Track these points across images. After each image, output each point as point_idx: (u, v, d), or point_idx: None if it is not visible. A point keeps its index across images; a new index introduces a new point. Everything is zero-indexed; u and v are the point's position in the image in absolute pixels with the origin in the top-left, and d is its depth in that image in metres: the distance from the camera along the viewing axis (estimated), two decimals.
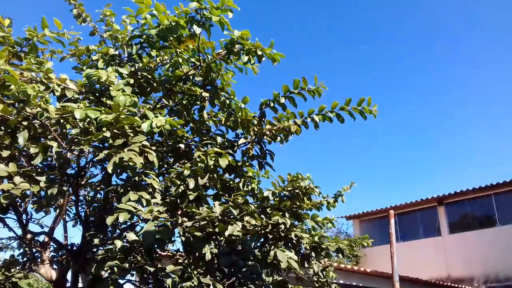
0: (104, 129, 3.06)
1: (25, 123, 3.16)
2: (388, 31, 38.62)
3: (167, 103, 4.39)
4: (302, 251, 4.65)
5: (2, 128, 3.49)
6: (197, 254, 3.61)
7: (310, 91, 4.22)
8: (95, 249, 3.84)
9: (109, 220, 2.86)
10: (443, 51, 36.01)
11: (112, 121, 2.98)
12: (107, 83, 3.48)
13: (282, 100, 4.24)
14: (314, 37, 41.82)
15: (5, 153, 3.47)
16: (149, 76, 4.20)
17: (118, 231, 4.11)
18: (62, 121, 3.39)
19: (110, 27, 4.59)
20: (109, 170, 2.87)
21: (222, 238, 3.46)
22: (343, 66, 41.84)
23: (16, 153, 3.79)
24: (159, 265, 3.42)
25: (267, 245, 4.37)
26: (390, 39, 38.15)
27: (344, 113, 4.32)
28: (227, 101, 4.20)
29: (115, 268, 3.15)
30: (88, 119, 3.00)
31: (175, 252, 4.61)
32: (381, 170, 45.57)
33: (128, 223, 3.94)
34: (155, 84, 4.23)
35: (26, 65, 3.56)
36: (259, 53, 3.86)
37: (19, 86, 2.76)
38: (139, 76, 4.02)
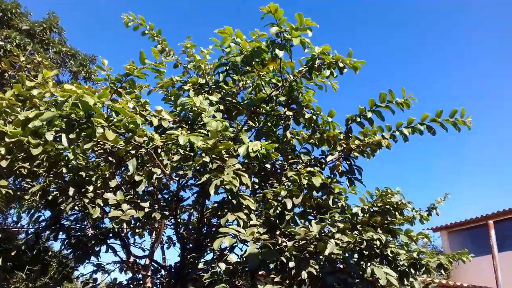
0: (203, 154, 3.21)
1: (133, 152, 3.40)
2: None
3: (253, 125, 4.50)
4: (398, 268, 4.47)
5: (109, 158, 3.79)
6: (293, 272, 3.62)
7: (398, 104, 4.12)
8: (197, 271, 3.98)
9: (216, 244, 2.96)
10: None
11: (211, 146, 3.12)
12: (199, 110, 3.65)
13: (369, 114, 4.18)
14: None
15: (113, 183, 3.75)
16: (234, 101, 4.35)
17: (215, 252, 4.24)
18: (160, 150, 3.61)
19: (193, 58, 4.83)
20: (212, 193, 3.00)
21: (322, 256, 3.44)
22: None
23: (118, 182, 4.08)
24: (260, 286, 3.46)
25: (362, 262, 4.27)
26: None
27: (435, 124, 4.16)
28: (314, 117, 4.21)
29: None
30: (188, 148, 3.16)
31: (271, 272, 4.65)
32: (467, 176, 42.47)
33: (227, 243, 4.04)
34: (240, 107, 4.37)
35: (124, 100, 3.84)
36: (341, 65, 3.85)
37: (129, 117, 2.98)
38: (226, 102, 4.17)
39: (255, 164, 4.71)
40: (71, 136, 2.80)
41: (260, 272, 4.18)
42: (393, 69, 41.88)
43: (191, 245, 4.51)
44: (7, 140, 2.86)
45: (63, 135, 2.75)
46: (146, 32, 4.78)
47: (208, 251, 4.39)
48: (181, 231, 4.68)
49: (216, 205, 4.18)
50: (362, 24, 39.88)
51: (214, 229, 4.42)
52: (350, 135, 4.28)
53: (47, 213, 4.26)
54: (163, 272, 4.81)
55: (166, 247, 5.35)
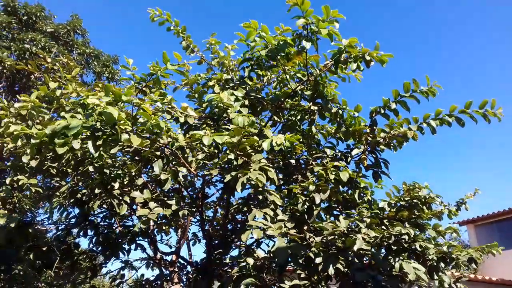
0: (227, 151, 3.21)
1: (158, 153, 3.42)
2: None
3: (278, 120, 4.48)
4: (427, 262, 4.39)
5: (135, 158, 3.83)
6: (319, 268, 3.58)
7: (422, 93, 4.02)
8: (224, 267, 3.99)
9: (244, 237, 2.96)
10: None
11: (235, 143, 3.11)
12: (225, 106, 3.65)
13: (393, 105, 4.10)
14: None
15: (140, 181, 3.80)
16: (259, 96, 4.33)
17: (240, 248, 4.24)
18: (186, 147, 3.63)
19: (217, 54, 4.83)
20: (239, 190, 3.00)
21: (350, 252, 3.39)
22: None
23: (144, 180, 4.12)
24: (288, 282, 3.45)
25: (390, 257, 4.20)
26: None
27: (464, 116, 4.05)
28: (340, 112, 4.15)
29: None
30: (213, 145, 3.16)
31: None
32: (494, 167, 41.38)
33: (253, 240, 4.05)
34: (264, 103, 4.35)
35: (150, 98, 3.87)
36: (367, 58, 3.78)
37: (153, 121, 3.00)
38: (251, 97, 4.16)
39: (279, 159, 4.69)
40: (97, 143, 2.83)
41: (287, 268, 4.17)
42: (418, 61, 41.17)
43: (216, 242, 4.53)
44: (33, 141, 2.91)
45: (89, 142, 2.78)
46: (172, 28, 4.78)
47: (234, 247, 4.40)
48: (206, 228, 4.70)
49: (240, 201, 4.18)
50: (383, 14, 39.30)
51: (239, 225, 4.43)
52: (375, 127, 4.21)
53: (77, 210, 4.34)
54: (189, 268, 4.85)
55: (192, 244, 5.40)
